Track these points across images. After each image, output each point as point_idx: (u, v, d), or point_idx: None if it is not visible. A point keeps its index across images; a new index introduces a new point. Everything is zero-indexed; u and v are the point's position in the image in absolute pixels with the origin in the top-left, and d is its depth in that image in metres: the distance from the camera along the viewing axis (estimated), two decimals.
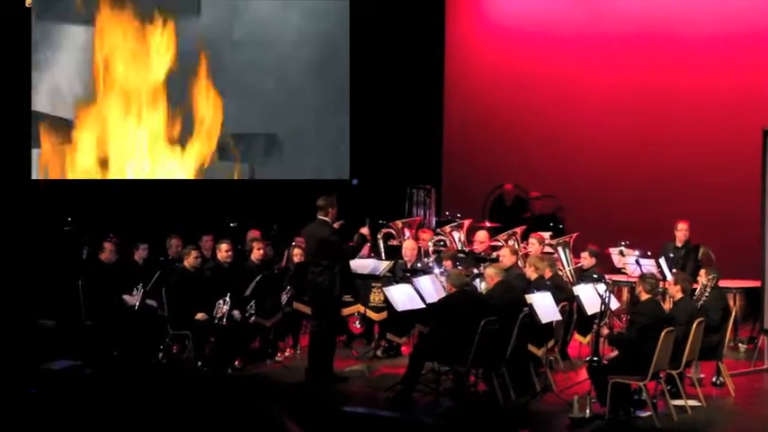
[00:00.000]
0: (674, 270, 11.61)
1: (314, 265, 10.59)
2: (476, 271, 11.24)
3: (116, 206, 14.01)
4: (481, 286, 10.85)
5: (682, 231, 12.49)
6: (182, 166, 14.21)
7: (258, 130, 14.47)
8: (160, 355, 11.14)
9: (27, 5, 13.33)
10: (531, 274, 10.80)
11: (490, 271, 10.38)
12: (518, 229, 13.01)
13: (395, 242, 13.18)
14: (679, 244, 12.49)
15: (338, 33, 14.98)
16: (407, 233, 13.36)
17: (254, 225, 12.85)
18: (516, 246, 12.36)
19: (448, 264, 11.64)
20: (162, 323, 11.17)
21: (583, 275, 11.75)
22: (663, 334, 9.19)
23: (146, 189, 14.16)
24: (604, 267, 12.10)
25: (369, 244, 12.06)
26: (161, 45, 14.21)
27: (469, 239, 13.15)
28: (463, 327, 9.65)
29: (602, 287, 10.41)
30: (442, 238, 13.33)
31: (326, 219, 10.54)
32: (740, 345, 12.09)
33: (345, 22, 14.77)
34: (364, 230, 10.79)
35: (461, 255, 12.24)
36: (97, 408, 9.31)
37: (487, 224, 13.92)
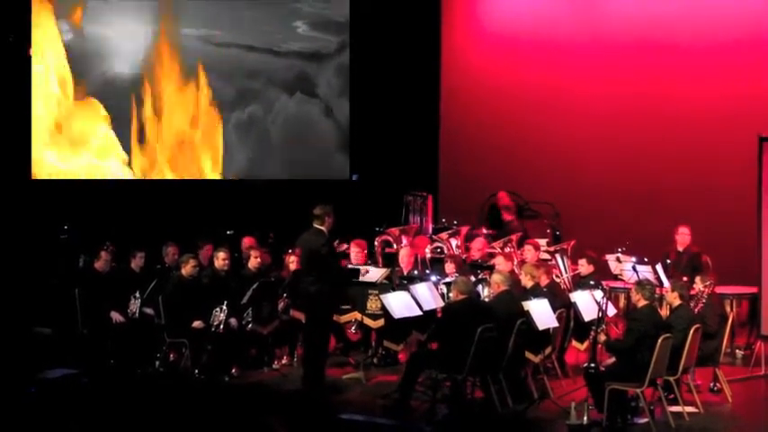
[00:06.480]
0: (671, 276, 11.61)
1: (306, 273, 10.59)
2: (473, 278, 11.23)
3: (113, 208, 14.03)
4: (484, 292, 10.84)
5: (682, 236, 12.45)
6: None
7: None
8: (157, 363, 11.13)
9: None
10: (527, 282, 10.78)
11: (497, 278, 10.34)
12: (513, 237, 13.00)
13: (392, 249, 13.18)
14: (680, 248, 12.45)
15: (337, 39, 15.16)
16: (405, 240, 13.34)
17: (249, 232, 12.81)
18: (512, 253, 12.37)
19: (452, 267, 11.59)
20: (159, 331, 11.17)
21: (581, 282, 11.74)
22: (660, 341, 9.18)
23: (143, 189, 14.20)
24: (601, 274, 12.08)
25: (365, 251, 12.14)
26: None
27: (466, 247, 13.14)
28: (464, 334, 9.63)
29: (599, 294, 10.40)
30: (440, 245, 13.32)
31: (322, 228, 10.52)
32: (737, 351, 12.08)
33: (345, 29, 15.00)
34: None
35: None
36: (93, 416, 9.30)
37: (484, 231, 13.90)
